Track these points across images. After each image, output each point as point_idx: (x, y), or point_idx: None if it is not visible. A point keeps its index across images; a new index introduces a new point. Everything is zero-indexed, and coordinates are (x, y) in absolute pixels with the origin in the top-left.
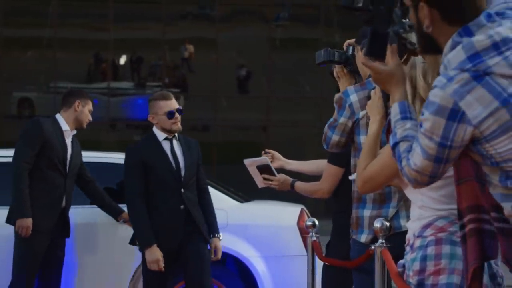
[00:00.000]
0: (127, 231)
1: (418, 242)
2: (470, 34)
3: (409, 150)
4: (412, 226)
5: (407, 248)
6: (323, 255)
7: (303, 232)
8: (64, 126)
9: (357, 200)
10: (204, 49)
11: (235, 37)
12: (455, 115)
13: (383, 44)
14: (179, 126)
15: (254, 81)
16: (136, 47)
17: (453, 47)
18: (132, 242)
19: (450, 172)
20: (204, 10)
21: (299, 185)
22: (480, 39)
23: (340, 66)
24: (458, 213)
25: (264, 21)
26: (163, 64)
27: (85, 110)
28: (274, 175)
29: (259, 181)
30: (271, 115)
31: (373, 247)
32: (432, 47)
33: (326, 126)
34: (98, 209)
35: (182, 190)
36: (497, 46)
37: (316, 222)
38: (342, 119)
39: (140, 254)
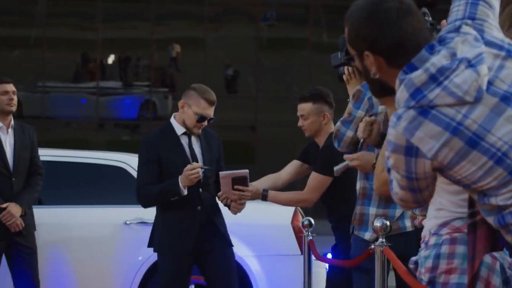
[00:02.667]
0: (134, 231)
1: (433, 240)
2: (414, 69)
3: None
4: (428, 223)
5: (422, 245)
6: (329, 256)
7: (297, 231)
8: None
9: (363, 197)
10: (193, 49)
11: (223, 37)
12: (410, 151)
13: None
14: (200, 131)
15: (242, 81)
16: (125, 46)
17: (399, 85)
18: (150, 244)
19: None
20: (193, 10)
21: (276, 194)
22: (418, 74)
23: (351, 68)
24: (469, 201)
25: (252, 21)
26: (151, 64)
27: None
28: (247, 186)
29: (227, 191)
30: (259, 114)
31: (373, 246)
32: (383, 90)
33: (338, 123)
34: (99, 210)
35: (200, 190)
36: (434, 78)
37: (312, 222)
38: (359, 112)
39: (145, 256)
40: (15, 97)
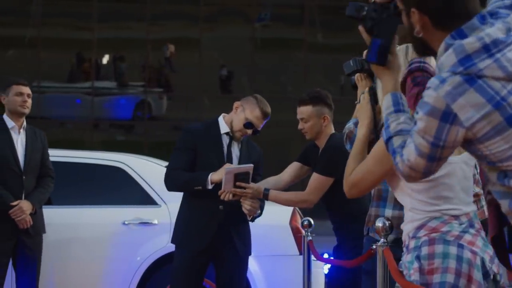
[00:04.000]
0: (133, 232)
1: (412, 243)
2: (463, 36)
3: (403, 145)
4: (406, 227)
5: (404, 249)
6: (326, 256)
7: (296, 231)
8: (9, 123)
9: (378, 198)
10: (188, 49)
11: (219, 37)
12: (447, 117)
13: (386, 51)
14: (241, 137)
15: (237, 81)
16: (120, 46)
17: (446, 50)
18: (173, 241)
19: (436, 174)
20: (188, 10)
21: (276, 194)
22: (470, 41)
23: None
24: (483, 184)
25: (248, 21)
26: (146, 64)
27: (10, 97)
28: (248, 183)
29: (228, 187)
30: None
31: (374, 247)
32: (424, 49)
33: (351, 124)
34: (98, 210)
35: None
36: (487, 48)
37: (312, 222)
38: None
39: (144, 256)
40: (30, 100)
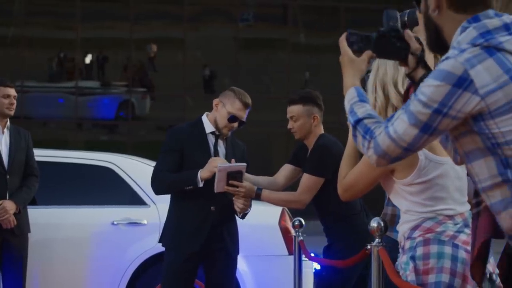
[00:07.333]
0: (122, 232)
1: (408, 244)
2: (479, 22)
3: (382, 123)
4: (401, 228)
5: (400, 250)
6: (321, 257)
7: (285, 231)
8: None
9: None
10: (172, 49)
11: (202, 37)
12: (462, 82)
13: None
14: (229, 133)
15: (220, 81)
16: (103, 46)
17: (462, 32)
18: (161, 240)
19: (430, 175)
20: (172, 10)
21: (268, 193)
22: (491, 20)
23: None
24: (475, 191)
25: (231, 21)
26: (130, 64)
27: None
28: (241, 182)
29: (221, 186)
30: None
31: (369, 247)
32: (438, 43)
33: None
34: (87, 210)
35: None
36: (507, 27)
37: (303, 222)
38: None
39: (133, 256)
40: (15, 102)
